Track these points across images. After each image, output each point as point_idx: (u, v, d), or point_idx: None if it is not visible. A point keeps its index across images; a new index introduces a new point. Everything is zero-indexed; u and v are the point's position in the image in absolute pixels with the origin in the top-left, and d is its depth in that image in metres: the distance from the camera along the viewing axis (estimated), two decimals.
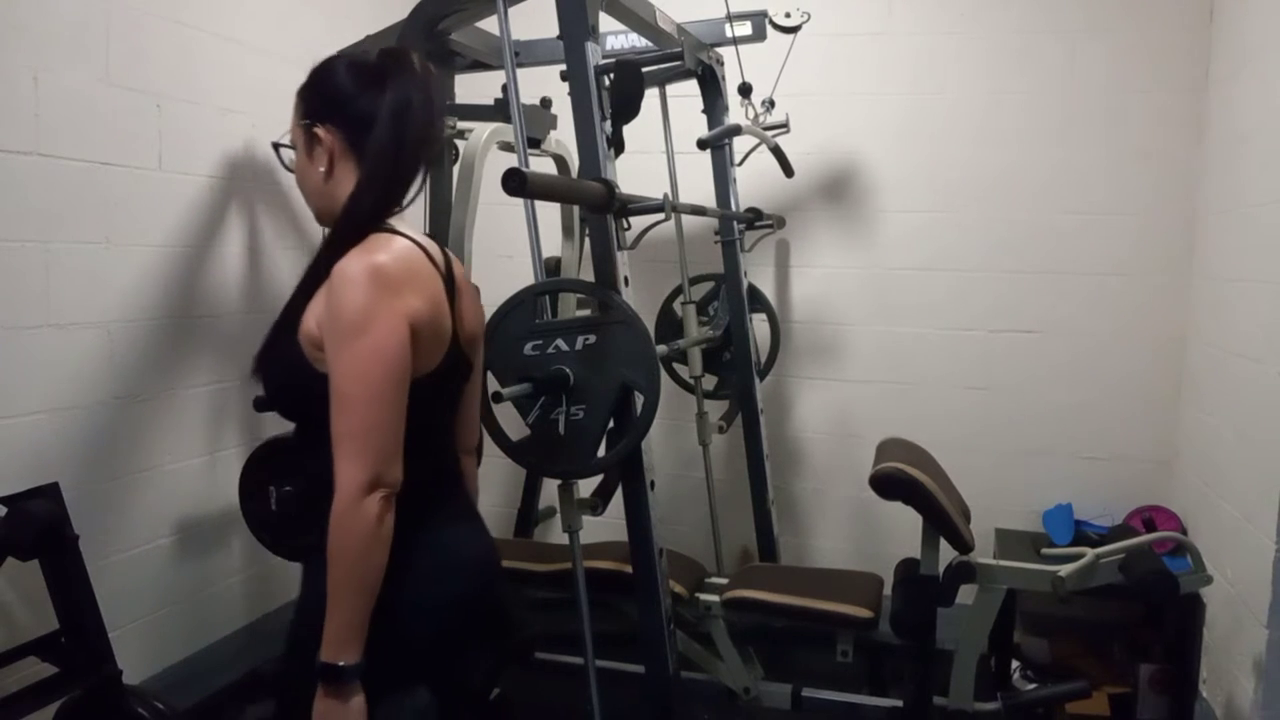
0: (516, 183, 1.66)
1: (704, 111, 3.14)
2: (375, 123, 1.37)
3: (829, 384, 3.49)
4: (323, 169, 1.42)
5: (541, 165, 2.96)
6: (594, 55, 2.09)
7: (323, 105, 1.42)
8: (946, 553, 2.33)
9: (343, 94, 1.42)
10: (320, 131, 1.41)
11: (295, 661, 1.37)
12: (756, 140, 3.04)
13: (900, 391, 3.39)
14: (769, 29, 3.01)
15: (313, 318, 1.34)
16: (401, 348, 1.30)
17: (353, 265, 1.30)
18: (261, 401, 2.51)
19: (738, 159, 3.20)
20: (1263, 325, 2.35)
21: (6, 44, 2.10)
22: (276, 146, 1.44)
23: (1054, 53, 3.16)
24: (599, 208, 2.02)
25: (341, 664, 1.26)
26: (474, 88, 2.89)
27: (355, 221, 1.37)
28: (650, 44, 2.76)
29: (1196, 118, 3.05)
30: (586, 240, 2.57)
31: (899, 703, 2.55)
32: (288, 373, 1.38)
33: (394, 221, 1.43)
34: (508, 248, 3.41)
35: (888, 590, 2.64)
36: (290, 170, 1.49)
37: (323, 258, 1.36)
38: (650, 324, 3.27)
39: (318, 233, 2.87)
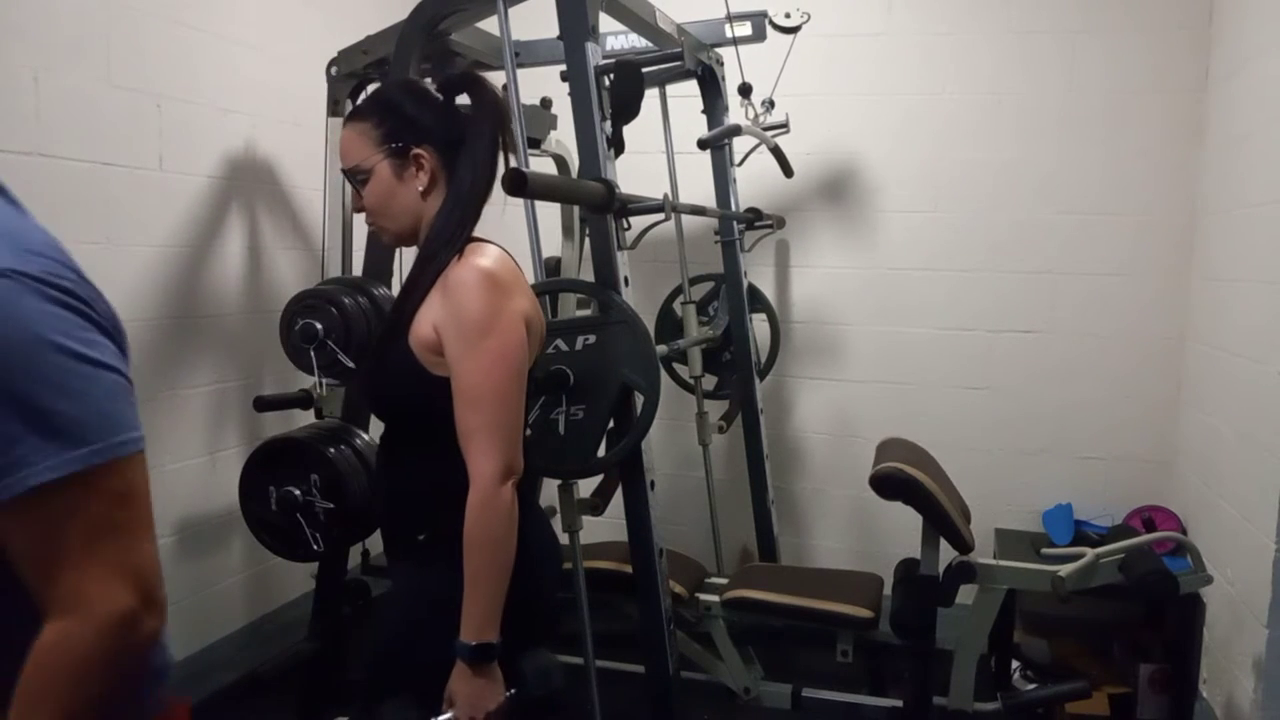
0: (517, 182, 1.66)
1: (704, 111, 3.14)
2: (464, 143, 1.50)
3: (829, 384, 3.49)
4: (421, 188, 1.50)
5: (541, 165, 2.96)
6: (594, 55, 2.09)
7: (414, 128, 1.50)
8: (946, 553, 2.33)
9: (434, 117, 1.51)
10: (421, 152, 1.49)
11: (420, 650, 1.45)
12: (756, 140, 3.04)
13: (900, 391, 3.39)
14: (769, 29, 3.01)
15: (427, 324, 1.42)
16: (522, 345, 1.44)
17: (469, 272, 1.42)
18: (262, 401, 2.53)
19: (738, 159, 3.20)
20: (1263, 325, 2.35)
21: (7, 44, 2.11)
22: (352, 175, 1.51)
23: (1054, 53, 3.16)
24: (599, 208, 2.03)
25: (489, 642, 1.37)
26: None
27: (459, 233, 1.48)
28: (650, 44, 2.76)
29: (1196, 118, 3.05)
30: (586, 240, 2.57)
31: (899, 703, 2.56)
32: (402, 379, 1.46)
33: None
34: (508, 248, 3.40)
35: (888, 590, 2.64)
36: (361, 197, 1.53)
37: (427, 270, 1.46)
38: (650, 324, 3.27)
39: (318, 233, 2.88)
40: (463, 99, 1.52)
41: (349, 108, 2.74)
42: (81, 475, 0.79)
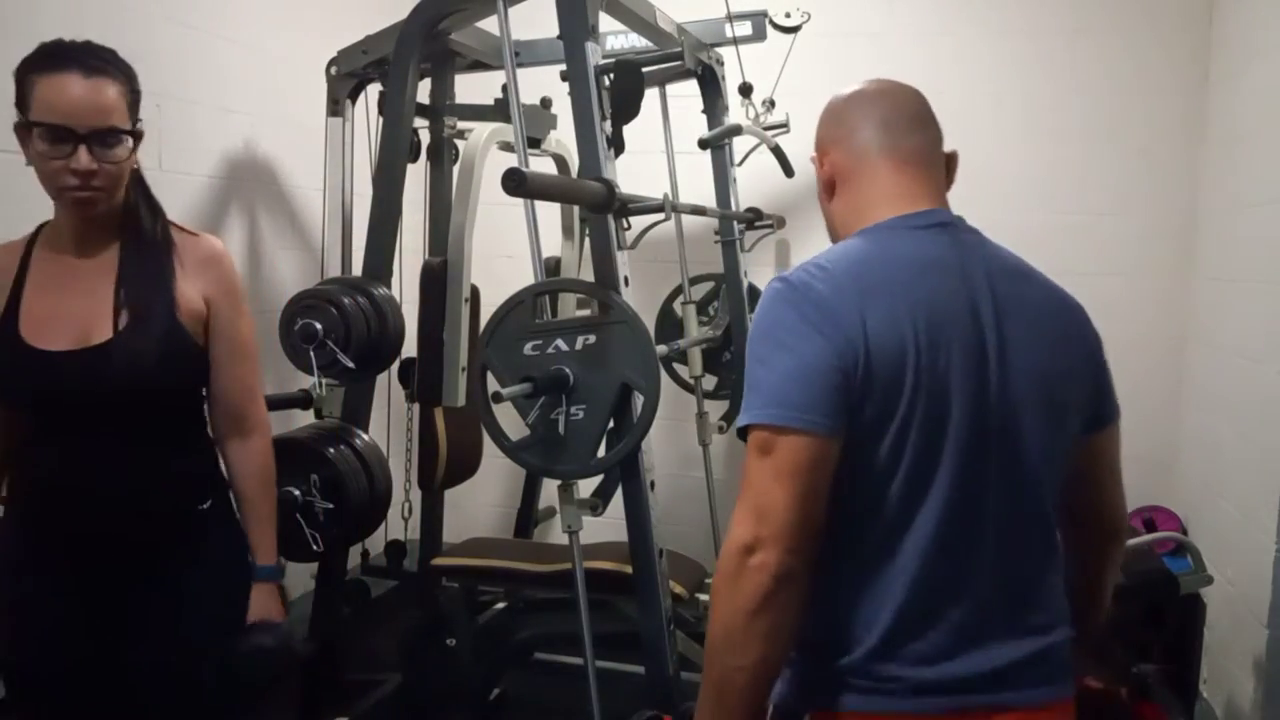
0: (516, 182, 1.66)
1: (704, 111, 3.14)
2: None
3: None
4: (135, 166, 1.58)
5: (541, 165, 2.96)
6: (594, 55, 2.09)
7: (140, 104, 1.58)
8: None
9: None
10: (142, 129, 1.57)
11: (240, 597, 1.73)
12: (756, 140, 3.03)
13: None
14: (769, 29, 3.01)
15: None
16: None
17: (220, 244, 1.69)
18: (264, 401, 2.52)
19: (738, 159, 3.20)
20: (1263, 325, 2.35)
21: (6, 44, 2.10)
22: (103, 134, 1.47)
23: (1054, 53, 3.16)
24: (599, 208, 2.02)
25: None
26: (474, 88, 2.89)
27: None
28: (650, 44, 2.76)
29: (1196, 118, 3.05)
30: (586, 240, 2.57)
31: None
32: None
33: None
34: (508, 248, 3.40)
35: None
36: (94, 156, 1.50)
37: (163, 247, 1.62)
38: (650, 324, 3.26)
39: (318, 233, 2.88)
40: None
41: (349, 108, 2.74)
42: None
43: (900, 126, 1.26)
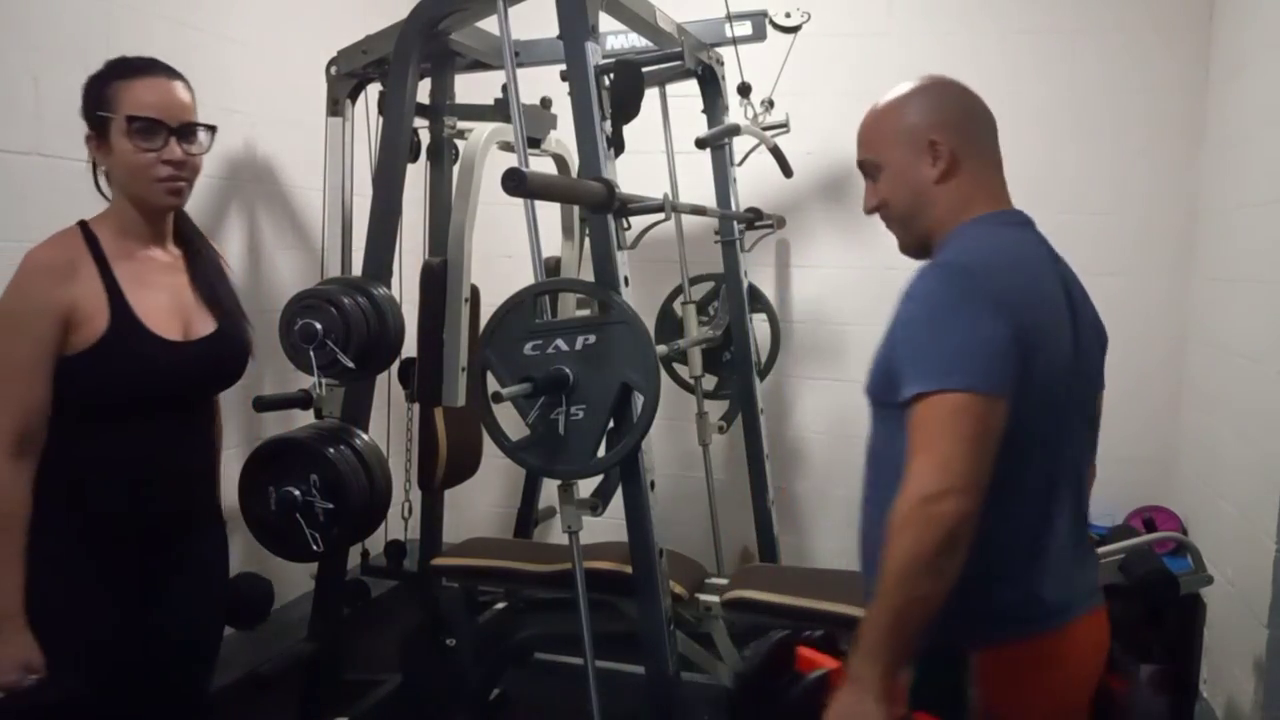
0: (516, 182, 1.66)
1: (704, 111, 3.14)
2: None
3: (829, 384, 3.49)
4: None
5: (541, 165, 2.96)
6: (594, 55, 2.09)
7: None
8: None
9: None
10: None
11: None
12: (756, 140, 3.04)
13: None
14: (769, 29, 3.01)
15: None
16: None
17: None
18: (261, 401, 2.52)
19: (738, 159, 3.20)
20: (1263, 325, 2.34)
21: (6, 44, 2.11)
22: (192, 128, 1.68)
23: (1054, 53, 3.16)
24: (599, 208, 2.02)
25: None
26: (474, 88, 2.90)
27: None
28: (650, 44, 2.76)
29: (1196, 118, 3.05)
30: (586, 240, 2.57)
31: None
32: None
33: None
34: (508, 248, 3.40)
35: None
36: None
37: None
38: (650, 324, 3.26)
39: (318, 233, 2.88)
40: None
41: (349, 108, 2.74)
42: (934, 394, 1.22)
43: (992, 129, 1.48)
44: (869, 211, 1.50)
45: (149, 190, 1.62)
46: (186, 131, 1.63)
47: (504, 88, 2.19)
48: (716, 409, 3.28)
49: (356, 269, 2.58)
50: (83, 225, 1.65)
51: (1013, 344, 1.23)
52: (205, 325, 1.72)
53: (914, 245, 1.48)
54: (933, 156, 1.40)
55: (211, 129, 1.68)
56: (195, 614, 1.80)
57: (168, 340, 1.64)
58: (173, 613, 1.74)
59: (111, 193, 1.67)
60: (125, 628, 1.65)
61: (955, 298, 1.26)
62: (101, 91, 1.59)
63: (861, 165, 1.50)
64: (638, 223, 2.25)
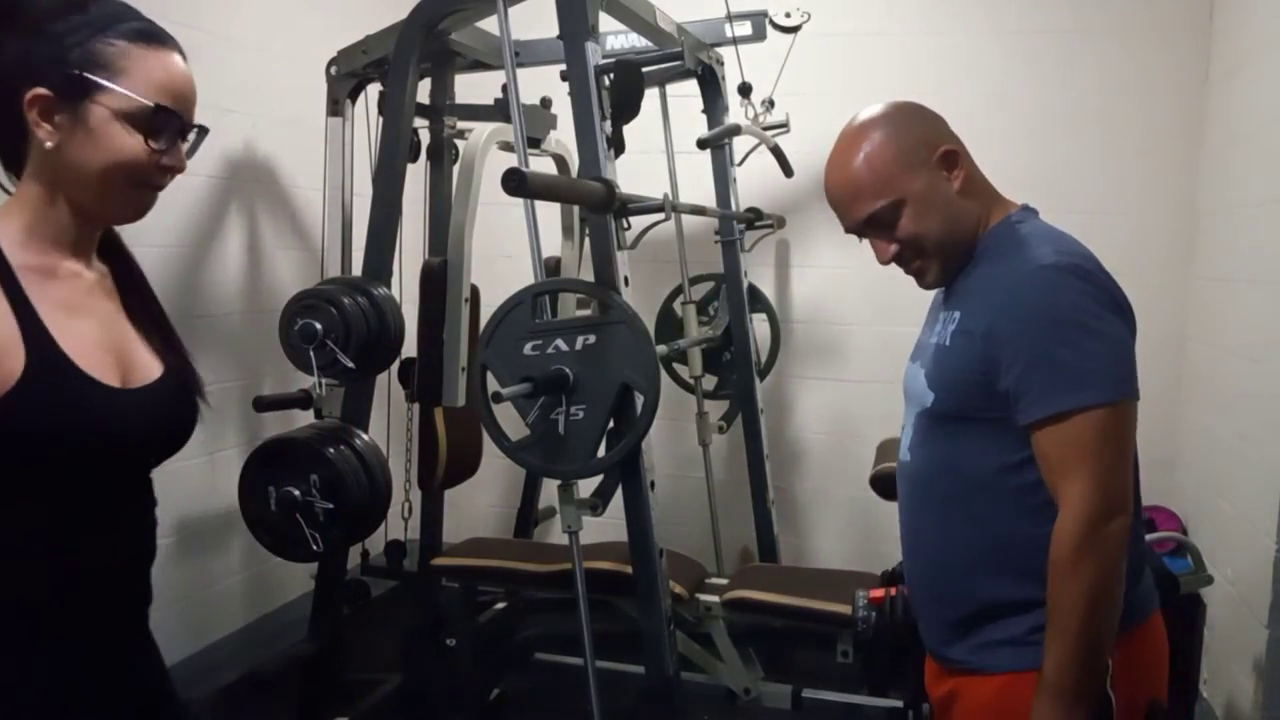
0: (516, 182, 1.66)
1: (704, 111, 3.14)
2: None
3: (829, 384, 3.49)
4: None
5: (541, 165, 2.96)
6: (594, 55, 2.09)
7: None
8: None
9: None
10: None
11: None
12: (756, 140, 3.03)
13: (900, 392, 3.38)
14: (769, 29, 3.01)
15: None
16: None
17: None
18: (261, 401, 2.53)
19: (738, 159, 3.20)
20: (1263, 325, 2.34)
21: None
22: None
23: (1053, 52, 3.16)
24: (599, 208, 2.02)
25: None
26: (474, 88, 2.90)
27: None
28: (650, 44, 2.76)
29: (1196, 118, 3.05)
30: (586, 240, 2.57)
31: (899, 703, 2.55)
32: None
33: None
34: (508, 248, 3.40)
35: None
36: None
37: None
38: (650, 324, 3.26)
39: (317, 233, 2.88)
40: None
41: (349, 108, 2.74)
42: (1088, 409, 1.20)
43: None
44: (888, 260, 1.39)
45: (119, 196, 1.15)
46: (187, 132, 1.19)
47: (504, 88, 2.19)
48: (716, 409, 3.28)
49: (356, 269, 2.58)
50: None
51: (1131, 341, 1.26)
52: (148, 368, 1.20)
53: (953, 269, 1.39)
54: (947, 167, 1.35)
55: (204, 132, 1.24)
56: (156, 698, 1.31)
57: (105, 385, 1.11)
58: (136, 696, 1.26)
59: (25, 182, 1.11)
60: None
61: (1089, 304, 1.25)
62: (102, 46, 1.09)
63: (873, 218, 1.35)
64: (638, 223, 2.25)
